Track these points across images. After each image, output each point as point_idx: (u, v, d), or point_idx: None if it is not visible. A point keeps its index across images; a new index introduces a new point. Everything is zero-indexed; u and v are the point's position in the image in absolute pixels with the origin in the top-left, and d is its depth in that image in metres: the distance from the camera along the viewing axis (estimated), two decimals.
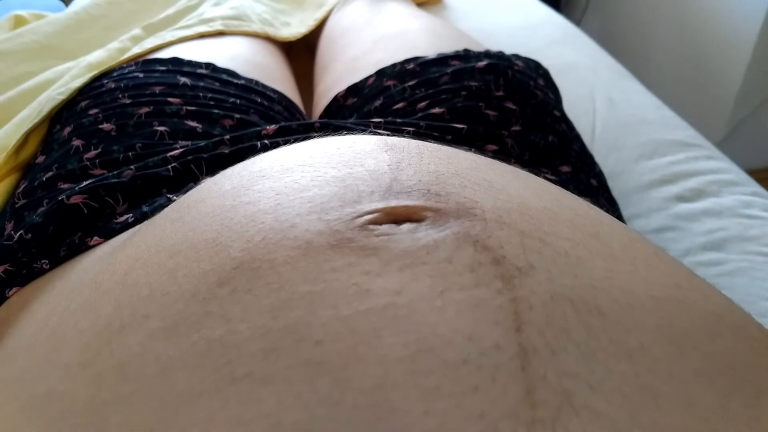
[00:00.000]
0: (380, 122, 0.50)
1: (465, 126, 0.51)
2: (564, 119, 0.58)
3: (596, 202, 0.52)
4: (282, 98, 0.65)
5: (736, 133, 1.59)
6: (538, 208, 0.27)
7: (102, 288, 0.28)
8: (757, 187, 0.71)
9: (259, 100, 0.60)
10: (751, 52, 1.45)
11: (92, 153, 0.48)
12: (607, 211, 0.52)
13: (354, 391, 0.18)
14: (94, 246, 0.38)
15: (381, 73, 0.62)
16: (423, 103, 0.54)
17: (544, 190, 0.31)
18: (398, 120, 0.51)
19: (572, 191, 0.49)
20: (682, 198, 0.69)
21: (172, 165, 0.44)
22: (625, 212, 0.67)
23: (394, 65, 0.61)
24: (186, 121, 0.52)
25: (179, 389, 0.19)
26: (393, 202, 0.26)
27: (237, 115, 0.55)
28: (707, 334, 0.22)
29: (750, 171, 0.79)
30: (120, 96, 0.54)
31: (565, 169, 0.52)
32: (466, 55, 0.60)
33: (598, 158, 0.70)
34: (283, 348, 0.19)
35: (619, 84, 0.92)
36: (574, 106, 0.82)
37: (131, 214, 0.40)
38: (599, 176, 0.56)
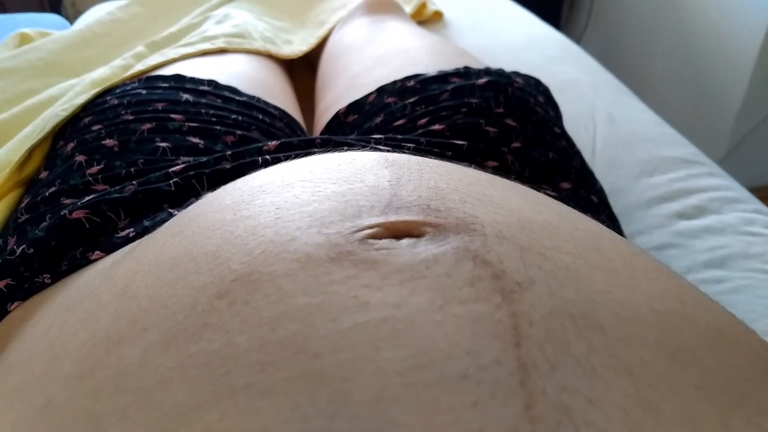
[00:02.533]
0: (381, 138, 0.50)
1: (465, 142, 0.51)
2: (564, 136, 0.59)
3: (597, 218, 0.52)
4: (283, 115, 0.65)
5: (737, 151, 1.59)
6: (538, 223, 0.27)
7: (102, 300, 0.28)
8: (758, 205, 0.71)
9: (260, 116, 0.60)
10: (752, 68, 1.45)
11: (95, 168, 0.48)
12: (607, 227, 0.52)
13: (353, 404, 0.18)
14: (95, 260, 0.38)
15: (382, 90, 0.62)
16: (423, 120, 0.55)
17: (544, 205, 0.31)
18: (399, 136, 0.51)
19: (573, 208, 0.49)
20: (683, 215, 0.69)
21: (174, 180, 0.44)
22: (626, 229, 0.67)
23: (394, 82, 0.62)
24: (188, 138, 0.52)
25: (177, 401, 0.19)
26: (393, 217, 0.26)
27: (239, 132, 0.55)
28: (709, 348, 0.22)
29: (751, 188, 0.79)
30: (123, 112, 0.55)
31: (566, 185, 0.52)
32: (466, 73, 0.61)
33: (599, 175, 0.70)
34: (281, 360, 0.19)
35: (620, 101, 0.92)
36: (574, 123, 0.82)
37: (132, 229, 0.40)
38: (600, 193, 0.57)
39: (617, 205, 0.69)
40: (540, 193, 0.35)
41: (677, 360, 0.21)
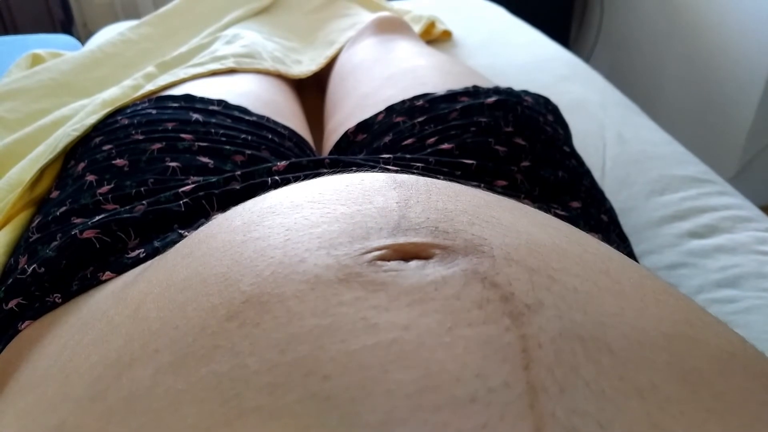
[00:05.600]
0: (389, 158, 0.51)
1: (474, 162, 0.51)
2: (574, 155, 0.59)
3: (607, 238, 0.52)
4: (293, 134, 0.65)
5: (748, 169, 1.58)
6: (546, 245, 0.27)
7: (113, 322, 0.28)
8: None
9: (270, 136, 0.61)
10: (763, 85, 1.45)
11: (105, 188, 0.48)
12: (617, 247, 0.52)
13: (361, 426, 0.18)
14: (105, 281, 0.39)
15: (390, 110, 0.62)
16: (432, 139, 0.55)
17: (553, 227, 0.31)
18: (407, 156, 0.52)
19: (582, 227, 0.49)
20: (694, 234, 0.69)
21: (184, 201, 0.44)
22: (636, 249, 0.67)
23: (403, 102, 0.62)
24: (198, 157, 0.53)
25: (188, 423, 0.19)
26: (401, 239, 0.26)
27: (248, 151, 0.55)
28: (720, 372, 0.22)
29: (763, 207, 0.79)
30: (133, 132, 0.55)
31: (576, 204, 0.52)
32: (475, 92, 0.61)
33: (609, 194, 0.70)
34: (291, 382, 0.19)
35: (629, 120, 0.92)
36: (583, 142, 0.82)
37: (143, 249, 0.41)
38: (610, 212, 0.56)
39: (628, 224, 0.69)
40: (549, 215, 0.35)
41: (688, 383, 0.20)
